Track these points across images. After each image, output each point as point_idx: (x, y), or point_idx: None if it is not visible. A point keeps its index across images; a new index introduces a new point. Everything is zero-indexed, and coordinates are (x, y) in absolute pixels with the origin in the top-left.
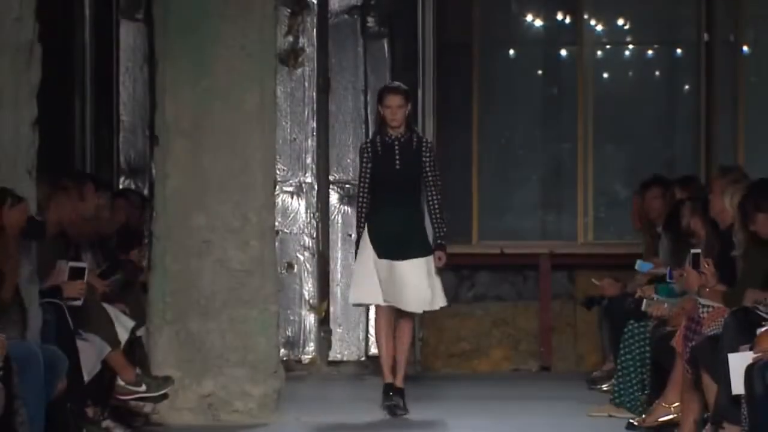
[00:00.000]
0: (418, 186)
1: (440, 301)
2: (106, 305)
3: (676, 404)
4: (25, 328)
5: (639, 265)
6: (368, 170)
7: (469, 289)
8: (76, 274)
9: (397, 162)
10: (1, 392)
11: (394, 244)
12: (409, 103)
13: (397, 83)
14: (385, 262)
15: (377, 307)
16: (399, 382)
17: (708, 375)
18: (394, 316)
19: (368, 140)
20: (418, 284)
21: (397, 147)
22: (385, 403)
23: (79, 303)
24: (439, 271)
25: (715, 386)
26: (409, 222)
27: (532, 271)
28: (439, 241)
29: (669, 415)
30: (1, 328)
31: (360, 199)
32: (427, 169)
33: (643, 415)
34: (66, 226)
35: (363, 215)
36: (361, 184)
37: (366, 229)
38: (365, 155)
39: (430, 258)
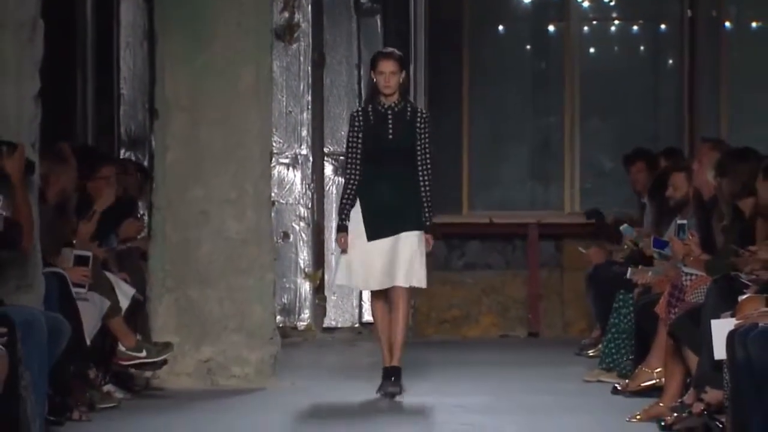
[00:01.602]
0: (412, 157)
1: (423, 281)
2: (107, 273)
3: (659, 369)
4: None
5: (624, 227)
6: (359, 139)
7: (460, 258)
8: (81, 262)
9: (390, 132)
10: (4, 358)
11: (387, 220)
12: (404, 70)
13: (391, 49)
14: (378, 242)
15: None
16: (396, 361)
17: (688, 349)
18: (389, 297)
19: (359, 108)
20: (410, 257)
21: (390, 116)
22: (383, 390)
23: (83, 290)
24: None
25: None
26: (402, 196)
27: (521, 240)
28: (428, 224)
29: (652, 380)
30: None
31: (349, 170)
32: (419, 142)
33: (627, 381)
34: (67, 196)
35: (352, 187)
36: (350, 153)
37: (357, 204)
38: (356, 123)
39: (422, 233)
